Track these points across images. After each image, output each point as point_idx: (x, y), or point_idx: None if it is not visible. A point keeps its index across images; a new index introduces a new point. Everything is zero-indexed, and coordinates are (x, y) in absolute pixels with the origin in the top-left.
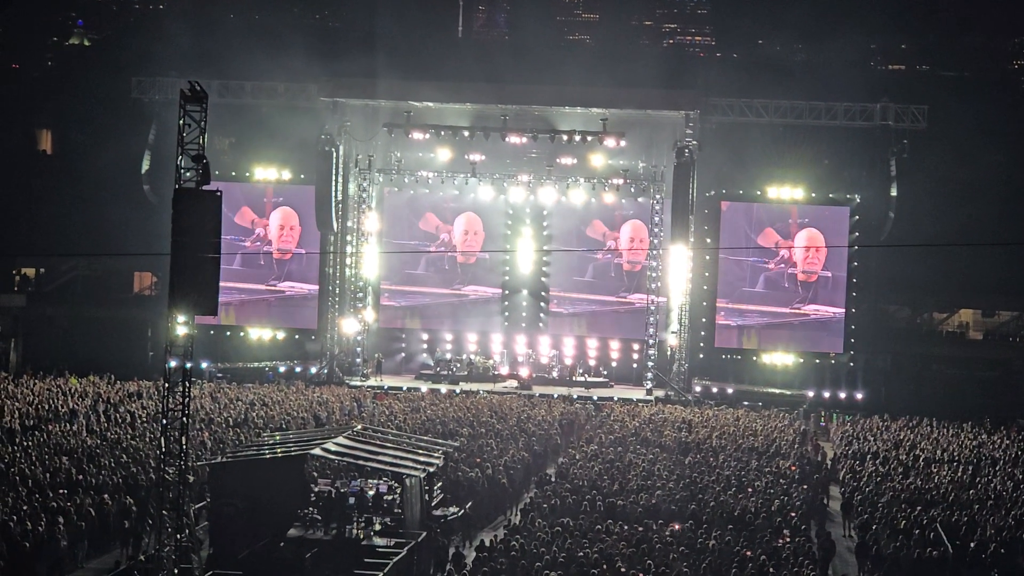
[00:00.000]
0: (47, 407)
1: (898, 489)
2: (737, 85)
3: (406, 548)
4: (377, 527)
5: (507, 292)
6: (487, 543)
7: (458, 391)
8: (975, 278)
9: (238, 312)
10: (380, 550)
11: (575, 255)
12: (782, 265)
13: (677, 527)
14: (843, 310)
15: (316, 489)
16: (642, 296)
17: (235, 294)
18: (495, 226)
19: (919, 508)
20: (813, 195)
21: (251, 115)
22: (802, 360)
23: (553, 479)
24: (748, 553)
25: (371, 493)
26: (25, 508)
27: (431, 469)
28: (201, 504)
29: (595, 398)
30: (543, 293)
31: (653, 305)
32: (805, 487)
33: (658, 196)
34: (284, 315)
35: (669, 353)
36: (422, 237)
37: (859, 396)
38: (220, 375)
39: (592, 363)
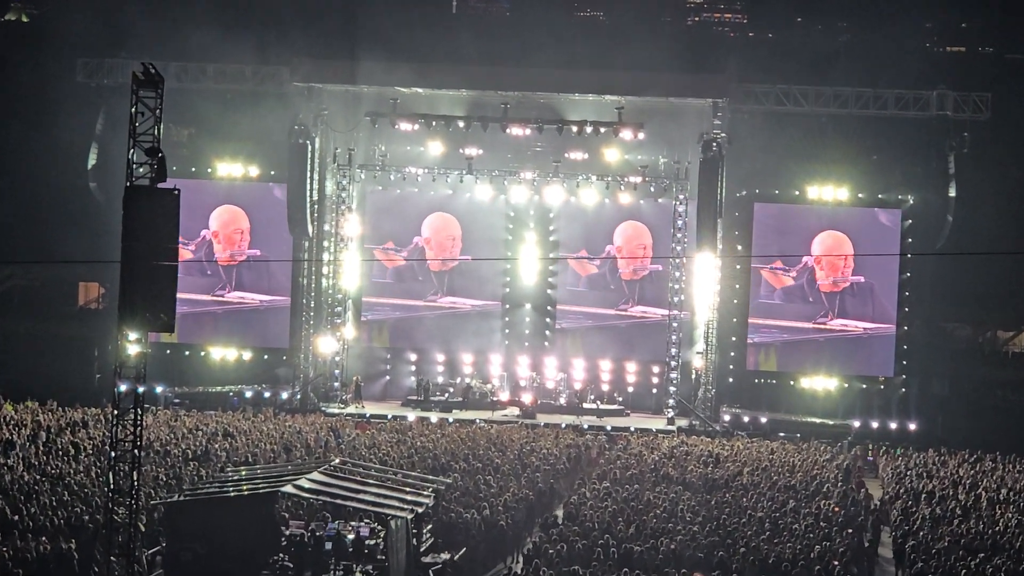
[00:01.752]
0: None
1: (957, 534)
2: (773, 69)
3: None
4: None
5: (508, 306)
6: None
7: (451, 420)
8: None
9: (178, 326)
10: None
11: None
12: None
13: None
14: (880, 325)
15: (288, 532)
16: (645, 309)
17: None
18: (494, 230)
19: (981, 556)
20: (859, 196)
21: (213, 102)
22: (846, 385)
23: (560, 521)
24: None
25: (351, 537)
26: None
27: (420, 509)
28: (155, 549)
29: (608, 428)
30: (549, 308)
31: (675, 321)
32: (850, 531)
33: (681, 196)
34: (250, 332)
35: (694, 376)
36: (396, 242)
37: (912, 427)
38: (177, 401)
39: (605, 387)
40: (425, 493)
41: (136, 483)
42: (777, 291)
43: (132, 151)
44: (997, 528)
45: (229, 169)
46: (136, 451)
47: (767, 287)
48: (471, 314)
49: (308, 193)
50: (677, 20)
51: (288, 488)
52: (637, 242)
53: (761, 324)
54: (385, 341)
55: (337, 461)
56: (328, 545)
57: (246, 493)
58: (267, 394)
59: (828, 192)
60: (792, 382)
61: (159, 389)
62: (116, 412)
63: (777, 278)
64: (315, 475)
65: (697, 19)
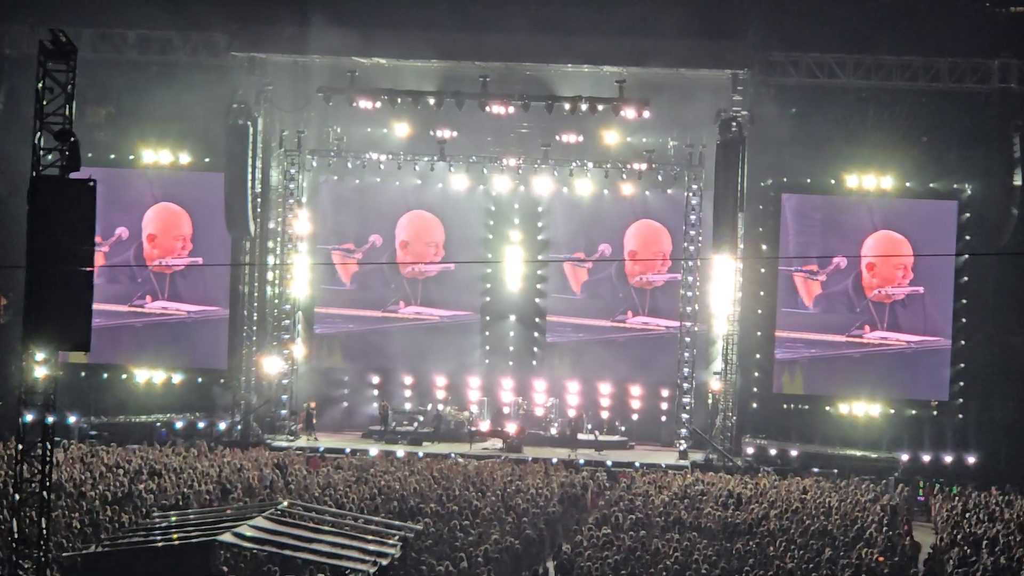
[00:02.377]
0: None
1: None
2: (803, 35)
3: None
4: None
5: (487, 318)
6: None
7: (421, 454)
8: None
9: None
10: None
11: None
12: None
13: None
14: (927, 338)
15: None
16: (647, 320)
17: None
18: (471, 227)
19: None
20: (907, 185)
21: (136, 77)
22: (892, 411)
23: (552, 575)
24: None
25: None
26: None
27: (384, 561)
28: None
29: (609, 463)
30: (537, 319)
31: (688, 336)
32: None
33: (695, 187)
34: (180, 350)
35: (710, 401)
36: (356, 242)
37: (971, 460)
38: (94, 433)
39: (605, 415)
40: (390, 542)
41: (45, 531)
42: (814, 298)
43: (39, 135)
44: None
45: (155, 156)
46: (45, 493)
47: (804, 294)
48: (445, 328)
49: (249, 184)
50: None
51: (227, 537)
52: (656, 247)
53: (788, 338)
54: (343, 360)
55: (285, 504)
56: None
57: (177, 543)
58: (201, 424)
59: (870, 181)
60: (827, 408)
61: (72, 419)
62: (21, 447)
63: (807, 284)
64: (259, 521)
65: None
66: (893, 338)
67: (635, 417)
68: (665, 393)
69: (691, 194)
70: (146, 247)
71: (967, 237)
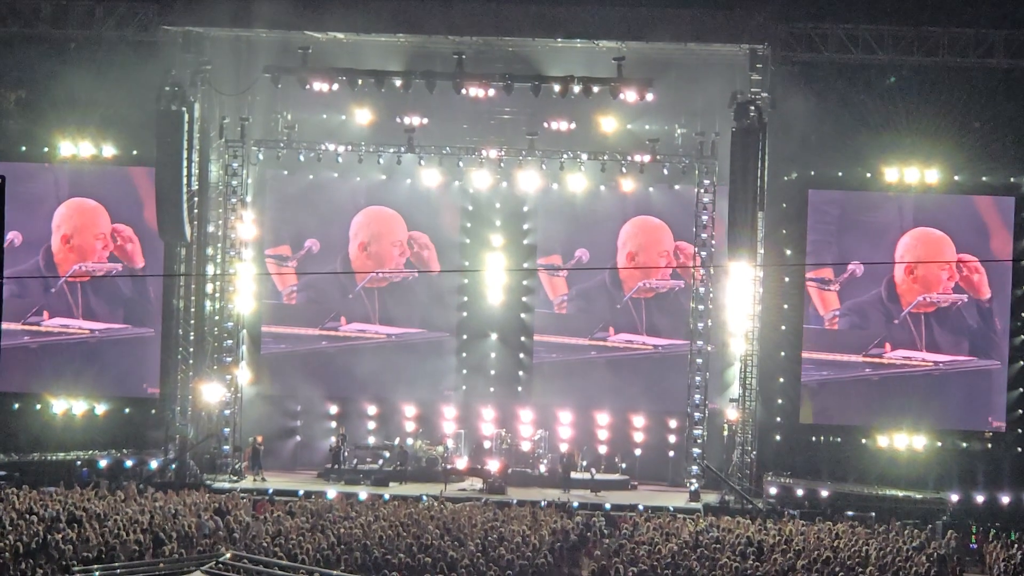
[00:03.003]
0: None
1: None
2: (833, 3)
3: None
4: None
5: (465, 337)
6: None
7: (387, 497)
8: None
9: None
10: None
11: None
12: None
13: None
14: (959, 358)
15: None
16: (638, 338)
17: None
18: (445, 229)
19: None
20: (956, 179)
21: (52, 55)
22: (940, 443)
23: None
24: None
25: None
26: None
27: None
28: None
29: (608, 507)
30: (523, 338)
31: (699, 356)
32: None
33: (707, 182)
34: (104, 376)
35: (726, 433)
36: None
37: None
38: (3, 473)
39: (602, 450)
40: None
41: None
42: (832, 311)
43: None
44: None
45: (74, 148)
46: None
47: (820, 307)
48: (415, 348)
49: (184, 181)
50: None
51: None
52: (659, 247)
53: (807, 359)
54: (295, 387)
55: (228, 556)
56: None
57: None
58: (129, 462)
59: (912, 174)
60: (864, 440)
61: None
62: None
63: (822, 295)
64: None
65: None
66: (919, 358)
67: (638, 452)
68: (673, 424)
69: (702, 190)
70: (58, 251)
71: None
